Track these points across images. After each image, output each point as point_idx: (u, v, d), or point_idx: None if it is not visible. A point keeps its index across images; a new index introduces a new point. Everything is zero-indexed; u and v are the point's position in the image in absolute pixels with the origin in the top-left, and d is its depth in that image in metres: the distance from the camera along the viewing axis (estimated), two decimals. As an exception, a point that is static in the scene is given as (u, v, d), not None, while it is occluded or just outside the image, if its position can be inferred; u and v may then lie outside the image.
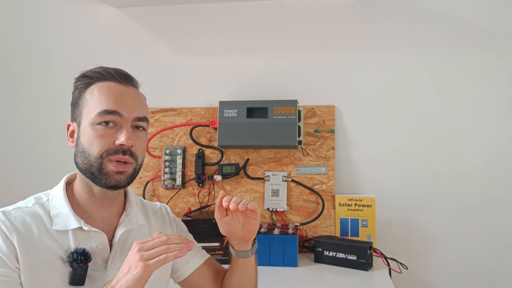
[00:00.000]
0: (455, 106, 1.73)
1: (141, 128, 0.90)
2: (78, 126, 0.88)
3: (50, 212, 0.86)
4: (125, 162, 0.85)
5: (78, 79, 0.90)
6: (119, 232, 0.90)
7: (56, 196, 0.89)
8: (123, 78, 0.89)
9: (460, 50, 1.73)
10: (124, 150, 0.85)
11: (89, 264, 0.83)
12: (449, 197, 1.72)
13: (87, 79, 0.88)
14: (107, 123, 0.84)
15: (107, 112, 0.84)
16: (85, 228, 0.85)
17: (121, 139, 0.84)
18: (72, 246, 0.84)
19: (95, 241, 0.87)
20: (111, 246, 0.89)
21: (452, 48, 1.74)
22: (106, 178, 0.84)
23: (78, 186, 0.90)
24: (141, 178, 1.83)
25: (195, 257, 1.05)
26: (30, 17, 1.98)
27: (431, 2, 1.75)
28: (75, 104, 0.89)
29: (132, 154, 0.86)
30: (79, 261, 0.82)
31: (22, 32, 1.99)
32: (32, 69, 1.97)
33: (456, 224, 1.72)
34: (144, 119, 0.90)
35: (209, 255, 1.09)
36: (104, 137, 0.84)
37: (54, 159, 1.92)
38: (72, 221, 0.85)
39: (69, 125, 0.91)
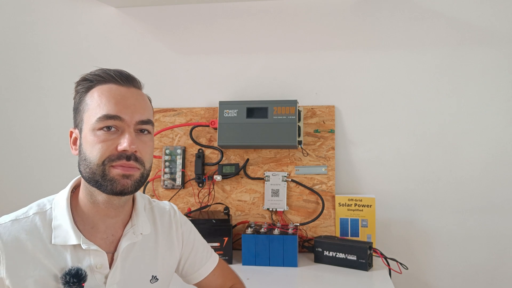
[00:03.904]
0: (455, 106, 1.73)
1: (145, 132, 0.85)
2: (80, 132, 0.84)
3: (52, 222, 0.83)
4: (130, 167, 0.81)
5: (78, 83, 0.86)
6: (122, 245, 0.87)
7: (59, 205, 0.85)
8: (124, 79, 0.84)
9: (460, 50, 1.73)
10: (128, 156, 0.80)
11: (85, 284, 0.80)
12: (449, 197, 1.72)
13: (87, 83, 0.84)
14: (108, 128, 0.80)
15: (107, 117, 0.80)
16: (83, 246, 0.82)
17: (124, 144, 0.79)
18: (69, 264, 0.81)
19: (94, 259, 0.83)
20: (113, 258, 0.86)
21: (452, 48, 1.74)
22: (112, 184, 0.80)
23: (82, 194, 0.86)
24: (141, 178, 1.83)
25: (208, 262, 1.06)
26: (30, 17, 1.98)
27: (431, 2, 1.75)
28: (77, 109, 0.85)
29: (137, 159, 0.82)
30: (72, 283, 0.79)
31: (21, 32, 1.99)
32: (32, 69, 1.97)
33: (456, 224, 1.72)
34: (148, 122, 0.85)
35: (218, 256, 1.10)
36: (105, 143, 0.80)
37: (53, 162, 1.92)
38: (72, 237, 0.82)
39: (71, 132, 0.87)
